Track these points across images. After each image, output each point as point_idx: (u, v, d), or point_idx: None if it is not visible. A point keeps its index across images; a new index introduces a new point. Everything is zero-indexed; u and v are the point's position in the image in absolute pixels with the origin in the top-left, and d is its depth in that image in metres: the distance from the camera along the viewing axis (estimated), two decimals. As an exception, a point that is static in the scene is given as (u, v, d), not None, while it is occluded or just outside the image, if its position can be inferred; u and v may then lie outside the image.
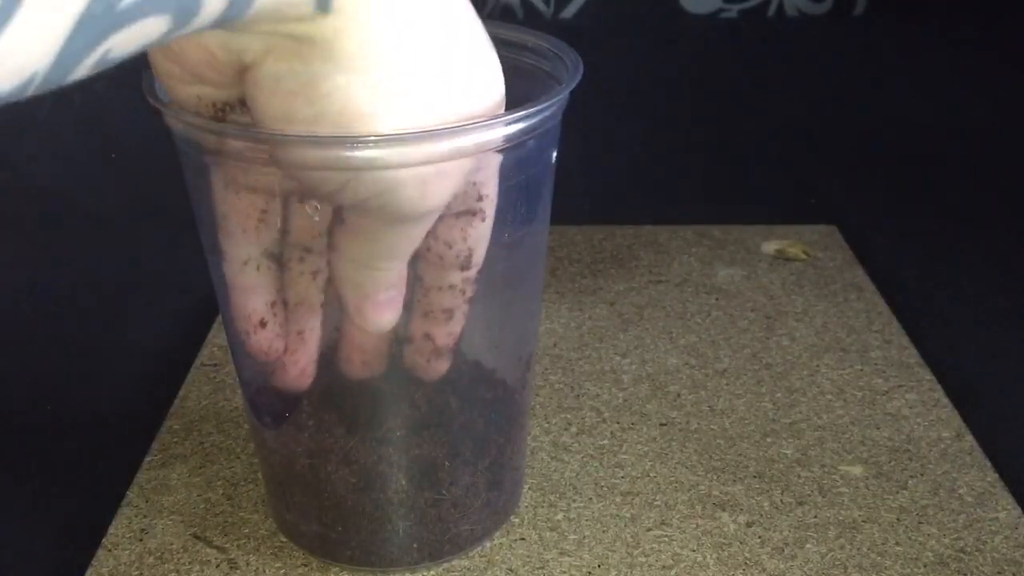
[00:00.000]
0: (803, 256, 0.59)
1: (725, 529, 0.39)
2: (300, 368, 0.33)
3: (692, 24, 1.07)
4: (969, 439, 0.44)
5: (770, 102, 0.87)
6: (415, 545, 0.37)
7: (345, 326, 0.33)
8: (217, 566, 0.37)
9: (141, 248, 0.62)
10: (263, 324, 0.32)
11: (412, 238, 0.29)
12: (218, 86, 0.28)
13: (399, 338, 0.33)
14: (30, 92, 0.19)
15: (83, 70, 0.20)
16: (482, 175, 0.30)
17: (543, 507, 0.40)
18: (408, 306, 0.32)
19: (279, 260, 0.32)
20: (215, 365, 0.49)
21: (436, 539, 0.37)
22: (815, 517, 0.40)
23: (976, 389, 0.48)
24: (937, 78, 0.91)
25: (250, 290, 0.32)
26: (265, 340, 0.33)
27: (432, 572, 0.37)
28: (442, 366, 0.34)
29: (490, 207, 0.31)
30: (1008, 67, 0.92)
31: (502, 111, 0.29)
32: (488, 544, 0.38)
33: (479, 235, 0.31)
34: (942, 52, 0.97)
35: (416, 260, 0.31)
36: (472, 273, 0.32)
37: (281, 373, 0.34)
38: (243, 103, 0.28)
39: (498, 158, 0.31)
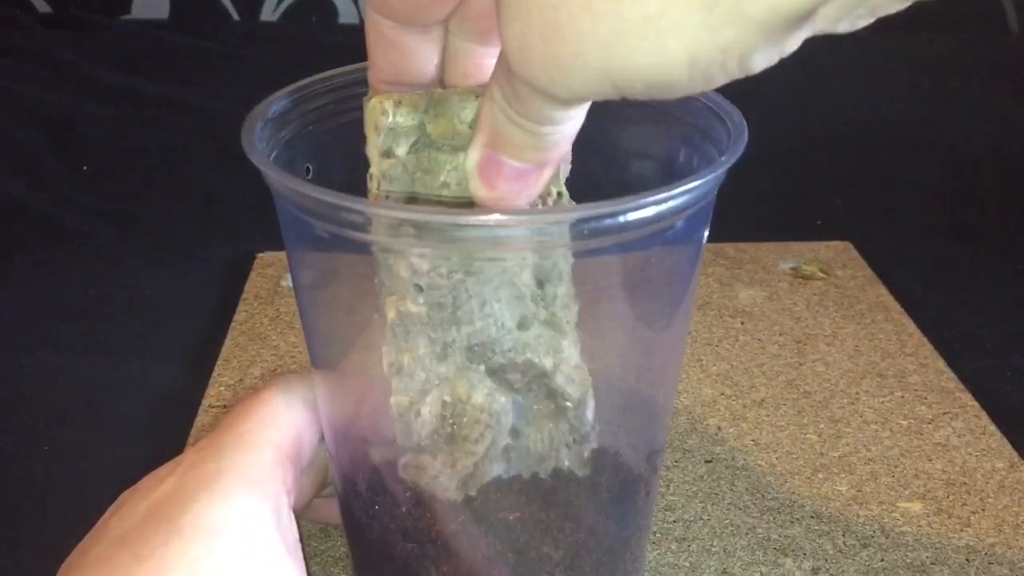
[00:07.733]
0: (820, 275, 0.57)
1: (791, 577, 0.37)
2: None
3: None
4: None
5: (755, 112, 0.85)
6: None
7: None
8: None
9: (127, 271, 0.59)
10: None
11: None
12: None
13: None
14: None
15: None
16: None
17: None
18: None
19: None
20: (225, 407, 0.46)
21: None
22: (882, 560, 0.38)
23: (1020, 414, 0.47)
24: (917, 87, 0.90)
25: None
26: None
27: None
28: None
29: None
30: (987, 77, 0.92)
31: None
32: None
33: None
34: (923, 61, 0.96)
35: None
36: None
37: None
38: None
39: None
